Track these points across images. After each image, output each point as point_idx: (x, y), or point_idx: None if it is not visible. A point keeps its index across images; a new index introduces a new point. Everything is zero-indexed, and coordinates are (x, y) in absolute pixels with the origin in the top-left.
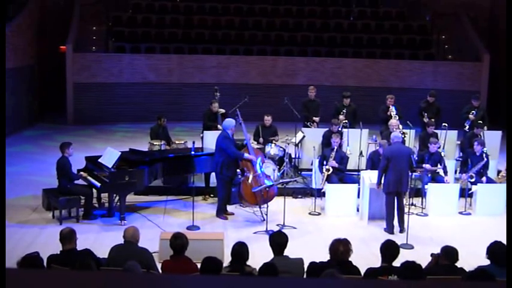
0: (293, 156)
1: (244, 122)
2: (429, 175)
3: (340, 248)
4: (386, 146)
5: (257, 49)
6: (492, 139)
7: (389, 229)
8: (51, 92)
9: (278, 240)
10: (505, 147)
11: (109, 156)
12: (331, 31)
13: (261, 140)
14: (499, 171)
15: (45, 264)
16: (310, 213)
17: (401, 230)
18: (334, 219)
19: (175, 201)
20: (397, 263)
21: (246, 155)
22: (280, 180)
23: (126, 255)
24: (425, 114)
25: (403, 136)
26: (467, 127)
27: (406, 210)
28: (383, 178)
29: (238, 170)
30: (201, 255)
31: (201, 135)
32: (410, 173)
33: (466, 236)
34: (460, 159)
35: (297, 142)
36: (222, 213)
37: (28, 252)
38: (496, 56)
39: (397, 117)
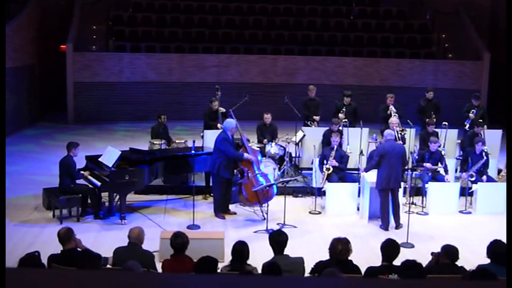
0: (293, 155)
1: (244, 121)
2: (430, 174)
3: (339, 246)
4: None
5: (257, 48)
6: (492, 138)
7: (385, 225)
8: (51, 91)
9: (278, 239)
10: (505, 146)
11: (109, 156)
12: (332, 30)
13: (265, 140)
14: (499, 170)
15: (45, 264)
16: (310, 212)
17: (397, 226)
18: (335, 218)
19: (176, 200)
20: (397, 262)
21: (246, 155)
22: (281, 179)
23: (130, 258)
24: (432, 113)
25: (403, 135)
26: (467, 126)
27: (406, 209)
28: (376, 175)
29: (235, 171)
30: (201, 254)
31: (202, 134)
32: (409, 172)
33: (467, 235)
34: (460, 158)
35: (297, 141)
36: (219, 212)
37: (29, 251)
38: (496, 54)
39: (397, 116)
